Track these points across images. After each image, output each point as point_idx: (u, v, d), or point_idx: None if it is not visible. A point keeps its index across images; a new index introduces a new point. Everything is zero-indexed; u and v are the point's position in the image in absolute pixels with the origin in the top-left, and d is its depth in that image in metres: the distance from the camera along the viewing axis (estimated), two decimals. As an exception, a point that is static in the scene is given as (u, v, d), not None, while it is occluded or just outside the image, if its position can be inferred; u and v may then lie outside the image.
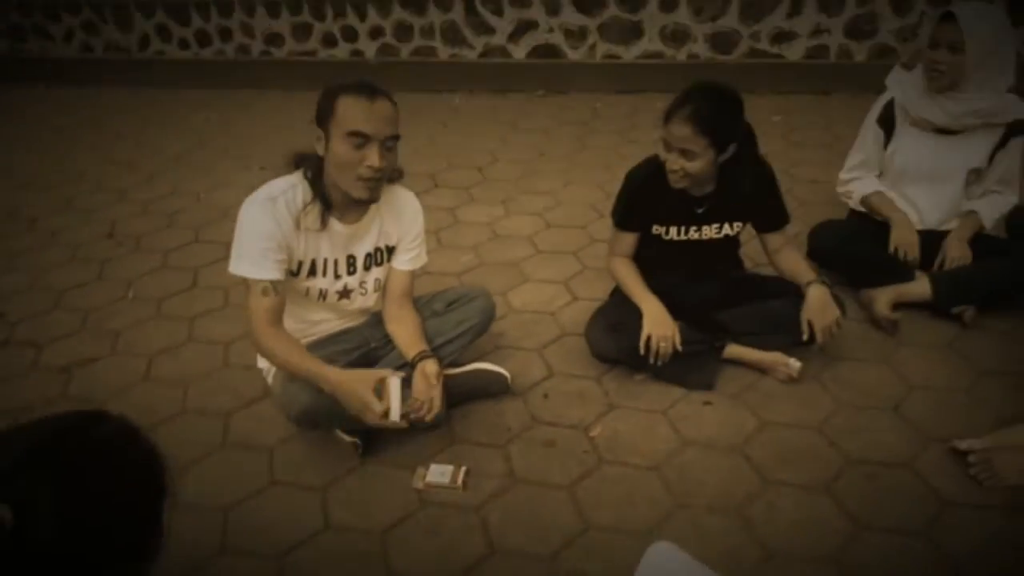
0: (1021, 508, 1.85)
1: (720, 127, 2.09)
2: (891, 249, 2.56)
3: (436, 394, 1.98)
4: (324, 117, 1.87)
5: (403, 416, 1.89)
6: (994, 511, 1.85)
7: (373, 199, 1.95)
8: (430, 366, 2.03)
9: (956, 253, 2.52)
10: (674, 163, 2.14)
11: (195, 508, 2.00)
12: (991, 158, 2.52)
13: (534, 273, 3.03)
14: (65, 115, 5.39)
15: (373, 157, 1.85)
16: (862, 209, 2.73)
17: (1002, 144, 2.48)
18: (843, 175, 2.78)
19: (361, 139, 1.84)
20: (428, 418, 1.95)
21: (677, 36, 5.16)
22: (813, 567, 1.74)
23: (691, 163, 2.12)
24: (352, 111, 1.83)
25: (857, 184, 2.73)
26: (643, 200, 2.31)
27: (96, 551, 0.92)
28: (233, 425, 2.29)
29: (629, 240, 2.38)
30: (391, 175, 2.08)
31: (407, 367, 2.07)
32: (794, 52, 5.01)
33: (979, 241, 2.58)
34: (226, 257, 1.97)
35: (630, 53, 5.28)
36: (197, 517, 1.97)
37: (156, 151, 4.58)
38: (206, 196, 3.88)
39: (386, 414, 1.86)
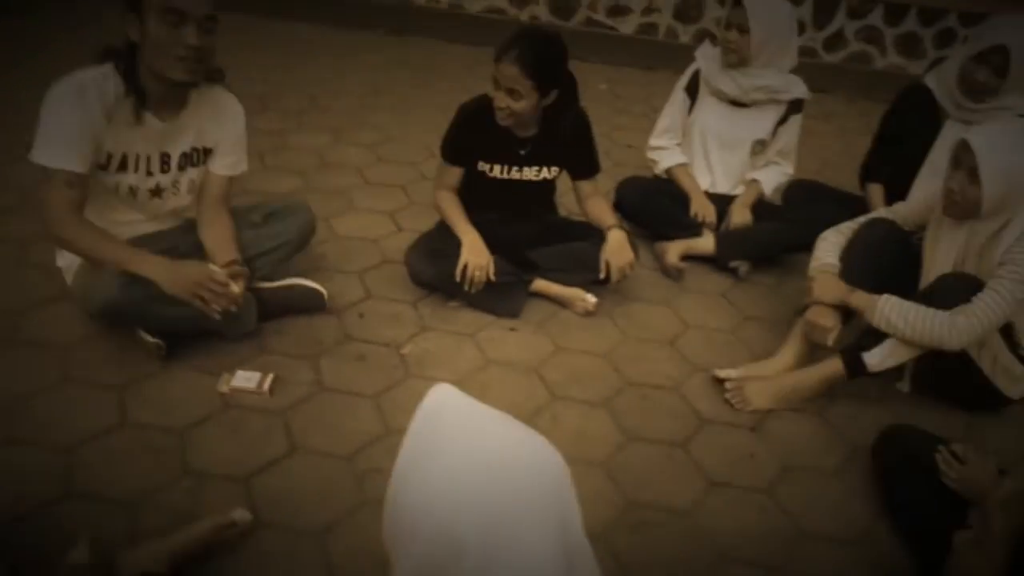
0: (759, 427, 2.16)
1: (545, 71, 2.23)
2: (691, 214, 2.85)
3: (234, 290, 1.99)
4: (136, 1, 1.82)
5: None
6: (741, 429, 2.15)
7: (193, 81, 1.93)
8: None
9: (738, 219, 2.84)
10: (501, 101, 2.27)
11: (-24, 401, 1.92)
12: (775, 132, 2.86)
13: (361, 202, 3.07)
14: None
15: (191, 36, 1.83)
16: (666, 177, 3.00)
17: (783, 120, 2.83)
18: (652, 140, 3.04)
19: (177, 16, 1.81)
20: (234, 307, 1.97)
21: (522, -4, 5.29)
22: (585, 469, 1.96)
23: (516, 103, 2.26)
24: None
25: (663, 154, 2.99)
26: (471, 134, 2.43)
27: None
28: (24, 324, 2.19)
29: (455, 173, 2.49)
30: (213, 75, 2.06)
31: None
32: (627, 26, 5.30)
33: (759, 207, 2.92)
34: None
35: (474, 6, 5.36)
36: (-22, 409, 1.89)
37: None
38: (10, 92, 3.56)
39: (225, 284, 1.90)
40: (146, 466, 1.81)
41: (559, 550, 0.75)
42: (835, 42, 5.17)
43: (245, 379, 2.08)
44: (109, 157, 1.97)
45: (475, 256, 2.34)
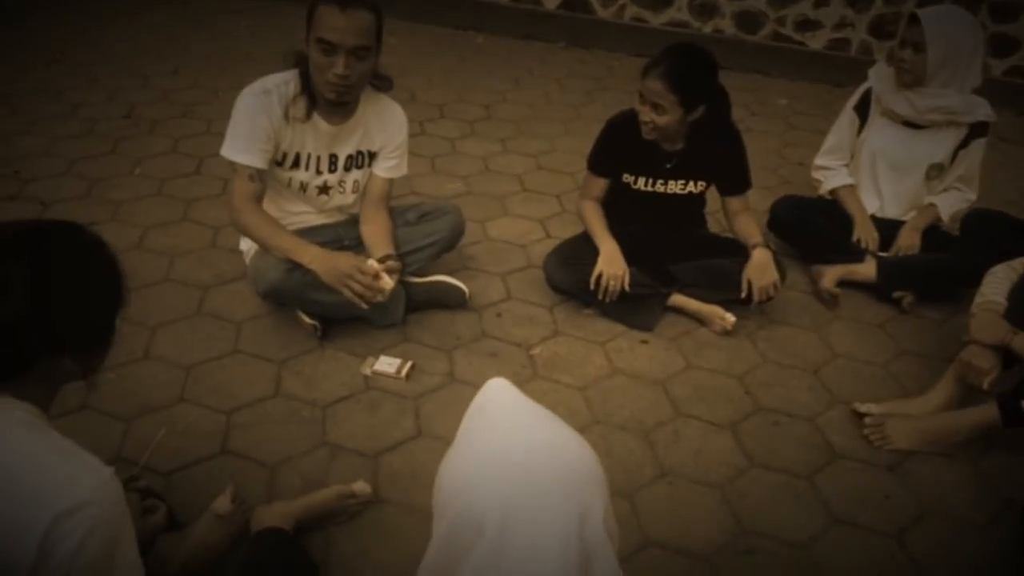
0: (898, 468, 2.03)
1: (690, 86, 2.23)
2: (854, 238, 2.71)
3: (385, 284, 2.12)
4: (308, 21, 2.02)
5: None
6: (877, 469, 2.03)
7: (341, 102, 2.11)
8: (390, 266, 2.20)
9: (906, 241, 2.67)
10: (646, 115, 2.29)
11: (162, 361, 2.21)
12: (953, 156, 2.65)
13: (515, 208, 3.19)
14: (101, 1, 5.53)
15: (338, 65, 2.00)
16: (830, 198, 2.86)
17: (964, 144, 2.62)
18: (818, 160, 2.91)
19: (328, 46, 1.99)
20: (380, 298, 2.11)
21: (706, 9, 5.21)
22: (701, 489, 1.93)
23: (660, 117, 2.27)
24: (323, 19, 1.96)
25: (829, 174, 2.86)
26: (617, 147, 2.46)
27: (57, 329, 1.09)
28: (209, 297, 2.49)
29: (599, 184, 2.53)
30: (379, 84, 2.24)
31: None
32: (816, 41, 5.07)
33: (932, 235, 2.72)
34: (232, 152, 2.15)
35: (657, 19, 5.35)
36: (163, 369, 2.18)
37: (184, 46, 4.73)
38: (224, 94, 4.03)
39: (376, 278, 2.06)
40: (290, 434, 2.01)
41: (573, 540, 0.79)
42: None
43: (386, 364, 2.24)
44: (284, 155, 2.20)
45: (610, 266, 2.37)
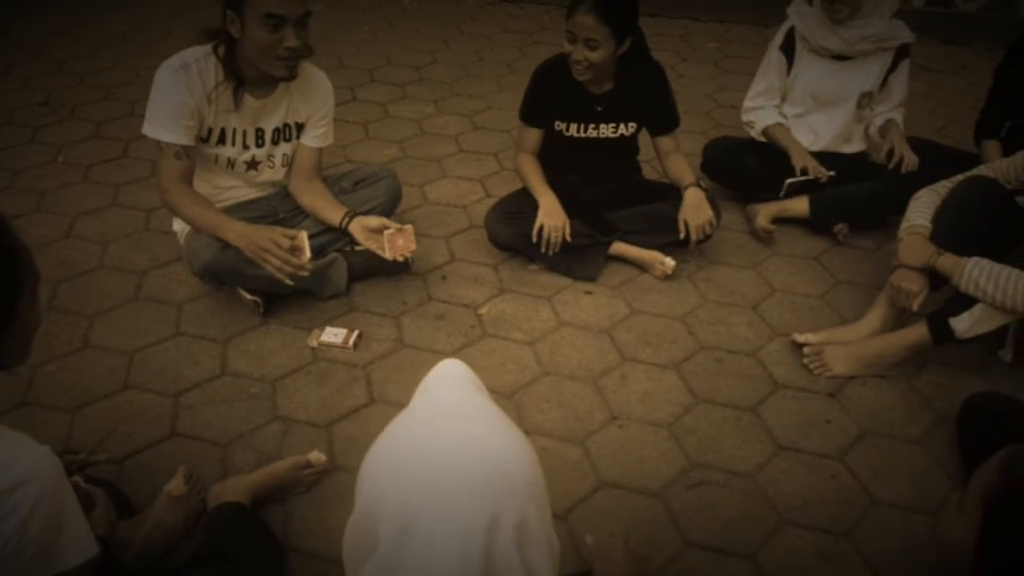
0: (838, 393, 2.10)
1: (619, 17, 2.24)
2: (798, 171, 2.71)
3: (407, 235, 2.21)
4: (236, 0, 1.96)
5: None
6: (818, 395, 2.10)
7: (293, 76, 2.07)
8: (368, 220, 2.23)
9: (910, 158, 2.62)
10: (579, 54, 2.29)
11: (103, 349, 2.17)
12: (883, 82, 2.71)
13: (453, 170, 3.17)
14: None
15: (290, 38, 1.95)
16: (763, 139, 2.89)
17: (892, 68, 2.67)
18: (747, 102, 2.92)
19: (276, 20, 1.94)
20: (303, 273, 2.10)
21: (632, -45, 5.19)
22: (650, 429, 1.98)
23: (594, 53, 2.27)
24: None
25: (759, 114, 2.87)
26: (546, 94, 2.46)
27: None
28: (146, 281, 2.44)
29: (534, 135, 2.53)
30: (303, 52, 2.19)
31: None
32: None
33: (861, 164, 2.79)
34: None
35: (585, -31, 5.31)
36: (105, 357, 2.14)
37: (100, 27, 4.56)
38: (145, 73, 3.90)
39: (291, 252, 2.04)
40: (240, 411, 2.00)
41: (476, 548, 0.74)
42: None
43: (332, 335, 2.24)
44: (209, 131, 2.16)
45: (551, 218, 2.38)
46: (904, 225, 2.19)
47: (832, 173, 2.67)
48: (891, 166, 2.62)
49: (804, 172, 2.68)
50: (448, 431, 0.80)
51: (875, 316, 2.21)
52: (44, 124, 3.41)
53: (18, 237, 1.11)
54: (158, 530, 1.60)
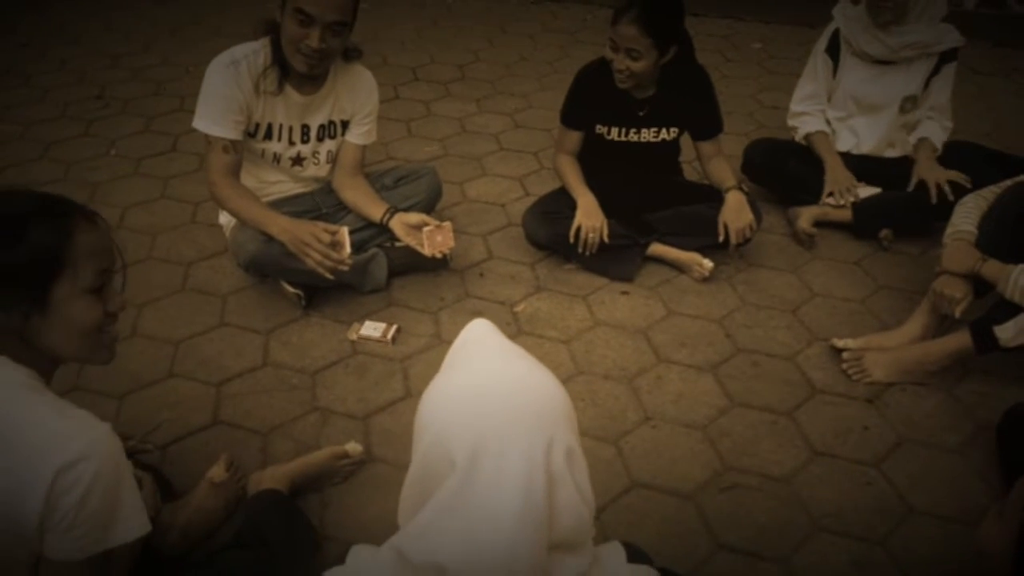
0: (877, 400, 2.08)
1: (663, 28, 2.23)
2: (825, 194, 2.70)
3: (446, 232, 2.25)
4: None
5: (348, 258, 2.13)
6: (856, 401, 2.08)
7: (310, 74, 2.10)
8: (408, 216, 2.27)
9: (939, 177, 2.59)
10: (620, 63, 2.29)
11: (150, 338, 2.23)
12: (926, 85, 2.66)
13: (493, 168, 3.20)
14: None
15: (313, 38, 1.99)
16: (804, 143, 2.87)
17: (936, 71, 2.63)
18: (794, 106, 2.89)
19: (304, 17, 1.97)
20: (343, 267, 2.14)
21: (677, -45, 5.16)
22: (684, 430, 1.98)
23: (636, 63, 2.27)
24: None
25: (803, 120, 2.85)
26: (588, 98, 2.47)
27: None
28: (193, 273, 2.51)
29: (574, 138, 2.54)
30: (349, 54, 2.23)
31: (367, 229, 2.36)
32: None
33: (906, 170, 2.74)
34: (208, 127, 2.14)
35: (629, -32, 5.29)
36: (152, 346, 2.21)
37: (152, 23, 4.67)
38: (195, 69, 3.99)
39: (332, 247, 2.08)
40: (281, 401, 2.05)
41: (539, 468, 0.82)
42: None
43: (372, 328, 2.27)
44: (257, 126, 2.20)
45: (588, 218, 2.39)
46: (949, 231, 2.16)
47: (855, 199, 2.67)
48: (934, 201, 2.57)
49: (831, 195, 2.68)
50: (503, 369, 0.89)
51: (916, 322, 2.18)
52: (98, 118, 3.51)
53: (84, 231, 1.14)
54: (199, 515, 1.64)
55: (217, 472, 1.70)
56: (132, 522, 1.13)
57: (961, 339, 2.03)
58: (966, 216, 2.13)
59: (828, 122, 2.82)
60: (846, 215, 2.70)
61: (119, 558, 1.18)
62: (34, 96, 3.69)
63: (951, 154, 2.71)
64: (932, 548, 1.70)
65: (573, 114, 2.52)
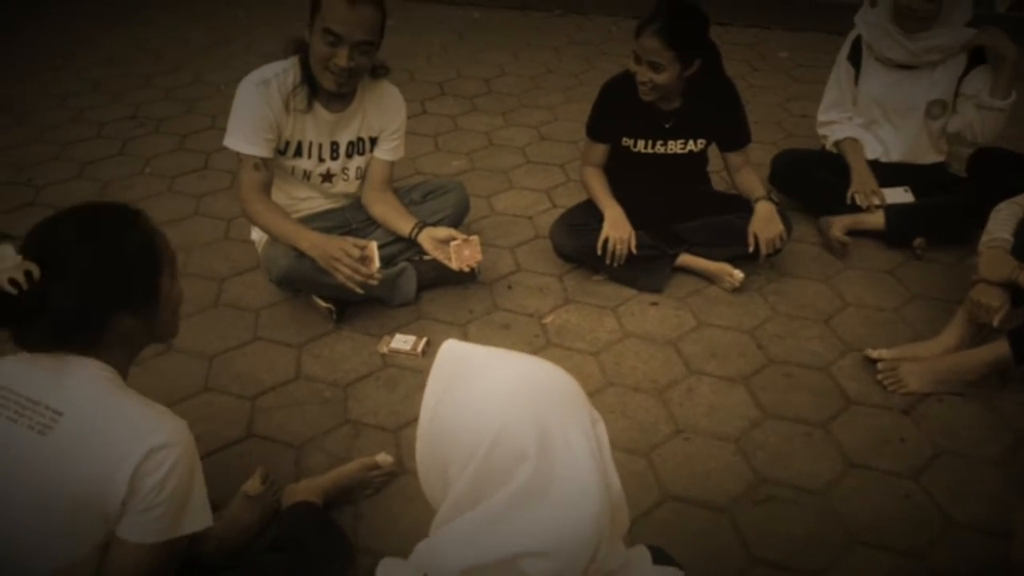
0: (913, 411, 2.05)
1: (686, 41, 2.23)
2: (848, 199, 2.68)
3: (473, 246, 2.27)
4: (313, 8, 2.04)
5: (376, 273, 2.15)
6: (891, 412, 2.05)
7: (338, 92, 2.14)
8: (436, 231, 2.29)
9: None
10: (643, 75, 2.30)
11: (185, 353, 2.27)
12: (958, 87, 2.61)
13: (520, 181, 3.21)
14: (95, 2, 5.56)
15: (341, 57, 2.02)
16: (834, 151, 2.85)
17: (966, 73, 2.59)
18: (821, 115, 2.88)
19: (334, 38, 2.01)
20: (372, 282, 2.16)
21: (701, -35, 5.15)
22: (716, 443, 1.97)
23: (659, 75, 2.27)
24: (331, 9, 1.98)
25: (832, 128, 2.84)
26: (613, 110, 2.48)
27: (113, 290, 1.23)
28: (226, 288, 2.55)
29: (600, 150, 2.55)
30: (377, 71, 2.26)
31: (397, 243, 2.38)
32: (816, -11, 5.00)
33: (939, 176, 2.71)
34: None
35: (653, -21, 5.29)
36: (185, 361, 2.24)
37: (183, 43, 4.76)
38: (226, 88, 4.06)
39: (362, 261, 2.10)
40: (313, 414, 2.06)
41: (593, 440, 0.86)
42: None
43: (402, 341, 2.29)
44: (287, 144, 2.24)
45: (616, 230, 2.39)
46: (985, 238, 2.12)
47: (881, 203, 2.64)
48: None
49: (853, 199, 2.66)
50: (522, 366, 0.92)
51: (953, 332, 2.14)
52: (132, 137, 3.58)
53: (152, 224, 1.31)
54: (235, 527, 1.66)
55: (253, 485, 1.72)
56: (200, 513, 1.25)
57: (999, 349, 2.00)
58: (1002, 223, 2.10)
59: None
60: (878, 223, 2.67)
61: (175, 555, 1.26)
62: (69, 117, 3.78)
63: (984, 161, 2.68)
64: (973, 562, 1.66)
65: (599, 127, 2.52)
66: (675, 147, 2.49)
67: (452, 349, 0.96)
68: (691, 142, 2.49)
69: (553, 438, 0.84)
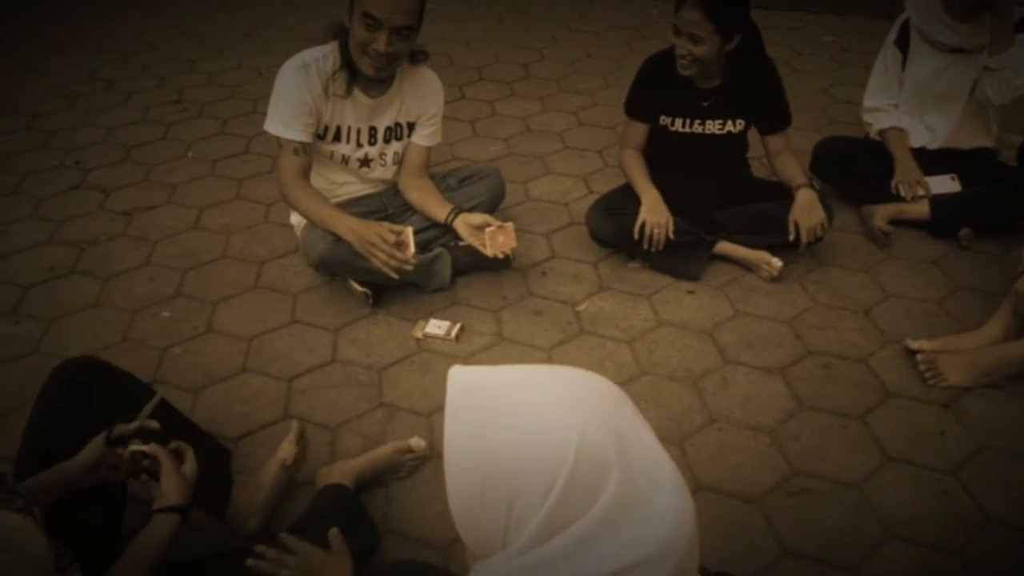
0: (954, 404, 2.01)
1: (727, 14, 2.20)
2: (892, 189, 2.63)
3: (508, 232, 2.27)
4: None
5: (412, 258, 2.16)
6: (931, 406, 2.01)
7: (377, 78, 2.14)
8: (471, 217, 2.30)
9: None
10: (683, 48, 2.26)
11: (224, 334, 2.31)
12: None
13: (557, 167, 3.19)
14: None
15: (380, 42, 2.02)
16: (878, 139, 2.78)
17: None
18: (867, 101, 2.82)
19: (373, 22, 2.01)
20: (408, 267, 2.16)
21: (746, -53, 5.05)
22: (751, 433, 1.95)
23: (698, 48, 2.24)
24: None
25: (877, 116, 2.78)
26: (652, 87, 2.45)
27: None
28: (265, 271, 2.59)
29: (639, 130, 2.52)
30: (415, 57, 2.26)
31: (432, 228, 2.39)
32: (864, -29, 4.87)
33: (987, 166, 2.63)
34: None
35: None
36: (225, 342, 2.28)
37: (226, 28, 4.82)
38: (267, 72, 4.11)
39: (397, 247, 2.11)
40: (348, 396, 2.09)
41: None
42: None
43: (436, 327, 2.30)
44: (326, 129, 2.26)
45: (653, 214, 2.37)
46: (1033, 229, 2.07)
47: (925, 194, 2.59)
48: None
49: (897, 190, 2.60)
50: (563, 379, 0.84)
51: (996, 324, 2.09)
52: (176, 121, 3.64)
53: None
54: (273, 495, 1.72)
55: (288, 450, 1.75)
56: None
57: (1045, 342, 1.95)
58: (1052, 214, 2.04)
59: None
60: (923, 212, 2.61)
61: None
62: (116, 101, 3.85)
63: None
64: (1012, 560, 1.63)
65: (637, 104, 2.50)
66: (713, 127, 2.46)
67: (463, 381, 0.86)
68: (730, 122, 2.45)
69: (627, 439, 0.79)
